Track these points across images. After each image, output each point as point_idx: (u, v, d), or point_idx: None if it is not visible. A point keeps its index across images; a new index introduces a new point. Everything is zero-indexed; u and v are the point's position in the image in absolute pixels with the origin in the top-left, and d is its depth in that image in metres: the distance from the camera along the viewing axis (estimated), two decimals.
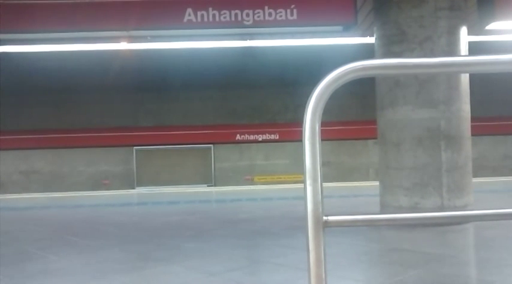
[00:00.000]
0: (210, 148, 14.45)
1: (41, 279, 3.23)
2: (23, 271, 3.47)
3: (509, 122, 14.63)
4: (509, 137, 14.86)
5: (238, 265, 3.43)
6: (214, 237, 4.59)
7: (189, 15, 5.81)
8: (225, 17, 5.81)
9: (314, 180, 1.21)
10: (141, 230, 5.13)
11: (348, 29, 6.05)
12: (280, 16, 5.83)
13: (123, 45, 12.18)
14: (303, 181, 1.22)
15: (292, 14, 5.84)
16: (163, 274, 3.25)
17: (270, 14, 5.83)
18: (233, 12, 5.81)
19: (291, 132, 14.19)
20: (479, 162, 14.21)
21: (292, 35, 11.42)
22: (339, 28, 6.04)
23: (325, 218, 1.21)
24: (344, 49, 13.53)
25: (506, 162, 14.84)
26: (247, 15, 5.81)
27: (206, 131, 14.41)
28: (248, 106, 14.59)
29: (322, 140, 1.23)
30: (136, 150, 14.30)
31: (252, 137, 14.48)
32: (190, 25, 5.84)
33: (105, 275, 3.26)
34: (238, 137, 14.45)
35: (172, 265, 3.51)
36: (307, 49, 13.88)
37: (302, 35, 11.19)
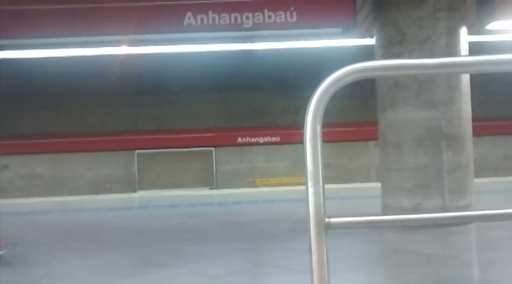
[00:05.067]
0: (211, 151, 14.44)
1: None
2: (26, 275, 3.47)
3: (510, 122, 14.61)
4: (510, 137, 14.84)
5: (240, 268, 3.43)
6: (216, 240, 4.59)
7: (189, 18, 5.81)
8: (224, 20, 5.81)
9: (316, 182, 1.21)
10: (143, 234, 5.13)
11: (347, 30, 6.06)
12: (280, 18, 5.84)
13: (123, 50, 12.20)
14: (305, 183, 1.22)
15: (291, 16, 5.84)
16: (165, 279, 3.25)
17: (269, 17, 5.83)
18: (233, 15, 5.81)
19: (292, 134, 14.17)
20: (480, 162, 14.18)
21: (292, 37, 11.43)
22: (339, 30, 6.05)
23: (327, 220, 1.21)
24: (344, 51, 13.54)
25: (507, 162, 14.82)
26: (247, 18, 5.81)
27: (207, 134, 14.40)
28: (249, 108, 14.60)
29: (323, 142, 1.23)
30: (137, 153, 14.29)
31: (253, 140, 14.47)
32: (190, 28, 5.84)
33: (108, 280, 3.26)
34: (239, 140, 14.44)
35: (174, 268, 3.51)
36: (307, 51, 13.88)
37: (302, 37, 11.19)
